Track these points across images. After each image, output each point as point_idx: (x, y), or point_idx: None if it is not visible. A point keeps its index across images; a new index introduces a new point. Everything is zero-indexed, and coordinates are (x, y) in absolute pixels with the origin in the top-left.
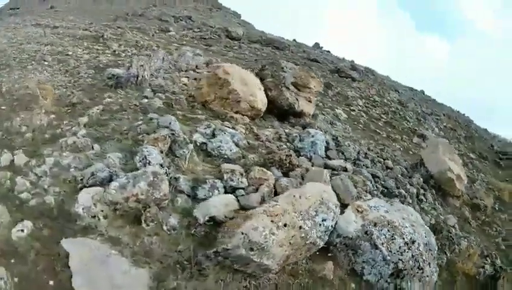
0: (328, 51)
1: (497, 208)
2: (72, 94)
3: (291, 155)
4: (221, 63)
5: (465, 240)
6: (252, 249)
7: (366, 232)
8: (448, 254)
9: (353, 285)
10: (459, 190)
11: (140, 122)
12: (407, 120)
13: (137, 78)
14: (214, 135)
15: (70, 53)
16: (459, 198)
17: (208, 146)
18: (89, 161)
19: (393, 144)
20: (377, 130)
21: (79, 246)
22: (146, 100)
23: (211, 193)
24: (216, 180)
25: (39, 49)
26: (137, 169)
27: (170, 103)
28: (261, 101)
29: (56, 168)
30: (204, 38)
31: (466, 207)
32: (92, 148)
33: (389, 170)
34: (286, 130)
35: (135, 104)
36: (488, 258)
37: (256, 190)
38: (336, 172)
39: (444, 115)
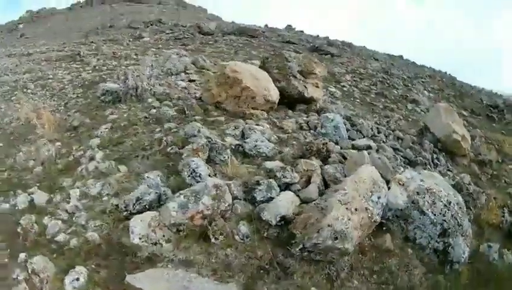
0: (302, 31)
1: (500, 161)
2: (69, 117)
3: (327, 143)
4: (225, 62)
5: (483, 194)
6: (336, 238)
7: (412, 202)
8: (473, 209)
9: (410, 250)
10: (465, 149)
11: (161, 135)
12: (396, 88)
13: (136, 89)
14: (243, 135)
15: (51, 76)
16: (465, 157)
17: (245, 147)
18: (121, 185)
19: (392, 113)
20: (373, 103)
21: (151, 279)
22: (154, 110)
23: (269, 194)
24: (270, 180)
25: (19, 79)
26: (187, 184)
27: (182, 109)
28: (274, 94)
29: (86, 199)
30: (179, 39)
31: (473, 164)
32: (119, 170)
33: (400, 140)
34: (304, 118)
35: (145, 117)
36: (504, 208)
37: (308, 181)
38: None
39: (428, 76)
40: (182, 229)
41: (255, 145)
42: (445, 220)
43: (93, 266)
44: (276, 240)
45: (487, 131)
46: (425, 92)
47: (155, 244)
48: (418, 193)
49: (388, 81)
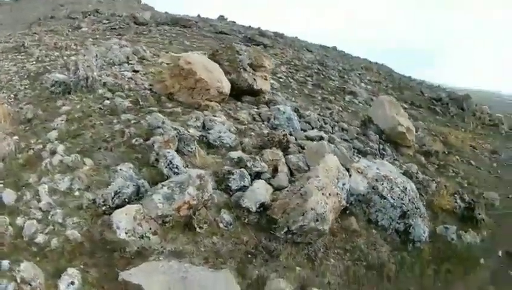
0: (234, 22)
1: (446, 152)
2: (21, 110)
3: (286, 134)
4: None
5: (433, 182)
6: (317, 220)
7: (373, 187)
8: (425, 196)
9: (374, 231)
10: (410, 141)
11: (121, 126)
12: (332, 79)
13: (87, 80)
14: (204, 126)
15: None
16: (410, 148)
17: (209, 138)
18: (91, 178)
19: (332, 105)
20: (311, 94)
21: (146, 273)
22: (108, 101)
23: (242, 183)
24: (242, 169)
25: None
26: (163, 176)
27: (136, 100)
28: (226, 86)
29: (56, 195)
30: (115, 29)
31: (419, 155)
32: (84, 163)
33: (345, 132)
34: (255, 110)
35: (99, 108)
36: (455, 195)
37: (275, 170)
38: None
39: (363, 68)
40: (168, 221)
41: (219, 136)
42: (403, 204)
43: (81, 266)
44: (257, 226)
45: (430, 123)
46: (362, 84)
47: (142, 237)
48: (376, 180)
49: (324, 73)
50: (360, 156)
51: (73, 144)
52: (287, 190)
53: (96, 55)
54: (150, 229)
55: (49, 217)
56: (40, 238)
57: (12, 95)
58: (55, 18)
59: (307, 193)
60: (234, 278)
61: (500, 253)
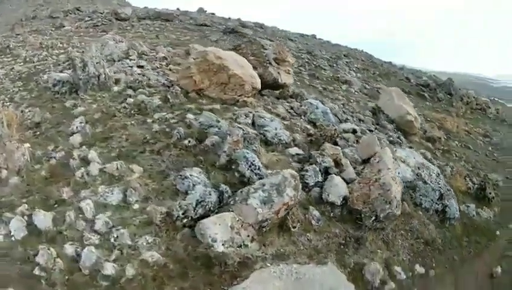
0: (213, 13)
1: (446, 138)
2: (23, 113)
3: (336, 129)
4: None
5: (447, 166)
6: (396, 207)
7: (417, 175)
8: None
9: (420, 213)
10: (416, 128)
11: (161, 126)
12: (323, 69)
13: (98, 77)
14: (253, 124)
15: None
16: (416, 135)
17: (267, 136)
18: (149, 188)
19: (334, 95)
20: (312, 84)
21: (262, 283)
22: (131, 99)
23: (316, 178)
24: (313, 166)
25: None
26: (242, 179)
27: (165, 97)
28: (259, 81)
29: (110, 211)
30: (97, 25)
31: (424, 141)
32: (132, 170)
33: (362, 122)
34: (286, 104)
35: (123, 107)
36: (467, 178)
37: (337, 164)
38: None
39: (344, 55)
40: (265, 225)
41: (276, 134)
42: (440, 187)
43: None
44: (342, 218)
45: (423, 110)
46: (352, 72)
47: (240, 246)
48: (418, 168)
49: (314, 62)
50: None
51: (107, 149)
52: (359, 182)
53: (98, 52)
54: (248, 236)
55: (112, 240)
56: (109, 269)
57: (7, 98)
58: (37, 18)
59: (385, 184)
60: (337, 269)
61: (510, 225)
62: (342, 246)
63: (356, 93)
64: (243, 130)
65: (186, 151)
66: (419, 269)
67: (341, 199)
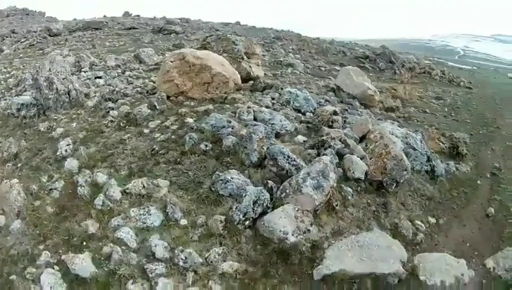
0: (138, 15)
1: (402, 106)
2: None
3: (331, 113)
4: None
5: (418, 132)
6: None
7: (407, 143)
8: None
9: (416, 175)
10: (377, 101)
11: (166, 135)
12: (262, 54)
13: (69, 93)
14: (255, 118)
15: None
16: (376, 107)
17: (276, 128)
18: (186, 200)
19: (290, 80)
20: (265, 73)
21: (338, 259)
22: (114, 112)
23: (336, 160)
24: (330, 149)
25: None
26: (283, 173)
27: (152, 105)
28: (239, 77)
29: (157, 234)
30: (33, 45)
31: (385, 112)
32: (158, 185)
33: (329, 103)
34: (266, 96)
35: (110, 120)
36: (437, 140)
37: (346, 145)
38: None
39: (276, 38)
40: (318, 209)
41: (282, 125)
42: (426, 151)
43: None
44: (366, 189)
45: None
46: (290, 54)
47: (305, 233)
48: (405, 137)
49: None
50: None
51: (114, 168)
52: (370, 158)
53: (50, 69)
54: (309, 222)
55: (181, 263)
56: None
57: None
58: None
59: (397, 155)
60: (382, 230)
61: (488, 175)
62: (375, 213)
63: (302, 74)
64: (261, 126)
65: (206, 156)
66: (432, 219)
67: (364, 174)
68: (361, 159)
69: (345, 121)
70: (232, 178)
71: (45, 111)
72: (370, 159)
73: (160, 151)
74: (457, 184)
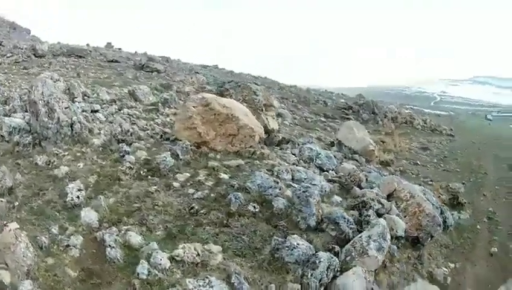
0: (120, 49)
1: (394, 159)
2: None
3: (360, 173)
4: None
5: (419, 186)
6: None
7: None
8: None
9: None
10: (375, 155)
11: (204, 192)
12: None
13: (71, 126)
14: (293, 178)
15: None
16: (373, 161)
17: (317, 189)
18: (246, 267)
19: (285, 131)
20: None
21: None
22: (132, 157)
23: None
24: (371, 210)
25: None
26: (342, 236)
27: (175, 154)
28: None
29: None
30: (18, 62)
31: (382, 166)
32: (210, 251)
33: (336, 158)
34: (286, 152)
35: (128, 167)
36: (439, 192)
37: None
38: None
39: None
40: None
41: (322, 186)
42: (440, 205)
43: None
44: (405, 245)
45: None
46: (276, 102)
47: None
48: (424, 193)
49: (234, 96)
50: None
51: (145, 227)
52: (404, 216)
53: (43, 92)
54: (373, 281)
55: None
56: None
57: None
58: None
59: (430, 213)
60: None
61: (485, 219)
62: (414, 265)
63: (292, 126)
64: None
65: (255, 218)
66: (451, 264)
67: (404, 232)
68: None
69: (366, 179)
70: (298, 244)
71: (41, 141)
72: (404, 217)
73: (201, 211)
74: (461, 231)
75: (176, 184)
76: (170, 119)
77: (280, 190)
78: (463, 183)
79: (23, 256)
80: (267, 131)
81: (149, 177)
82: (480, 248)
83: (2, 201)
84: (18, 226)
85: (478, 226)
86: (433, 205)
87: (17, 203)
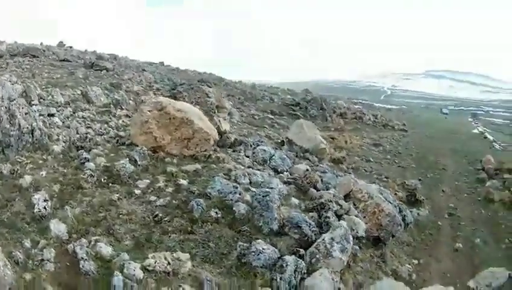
0: (71, 47)
1: (346, 156)
2: None
3: (315, 175)
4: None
5: (375, 183)
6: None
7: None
8: None
9: None
10: (327, 153)
11: (166, 199)
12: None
13: (32, 133)
14: (251, 182)
15: None
16: (325, 159)
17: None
18: (215, 275)
19: (233, 130)
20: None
21: None
22: (91, 164)
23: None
24: (331, 212)
25: None
26: (305, 239)
27: (133, 159)
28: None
29: None
30: None
31: (334, 164)
32: (180, 259)
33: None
34: (239, 154)
35: (89, 175)
36: (395, 189)
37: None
38: None
39: (203, 81)
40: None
41: (279, 189)
42: (398, 203)
43: None
44: (366, 245)
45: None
46: (227, 103)
47: None
48: (380, 193)
49: (185, 93)
50: None
51: (113, 237)
52: (364, 216)
53: (2, 97)
54: (339, 281)
55: None
56: None
57: None
58: None
59: (390, 213)
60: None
61: (445, 215)
62: (377, 263)
63: (240, 123)
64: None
65: (218, 224)
66: (415, 261)
67: (364, 232)
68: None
69: (321, 180)
70: (263, 249)
71: (4, 149)
72: (364, 217)
73: (165, 219)
74: (422, 228)
75: (137, 191)
76: (123, 122)
77: (240, 195)
78: (419, 180)
79: (4, 275)
80: (220, 132)
81: (110, 184)
82: (444, 244)
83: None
84: None
85: (439, 223)
86: (391, 203)
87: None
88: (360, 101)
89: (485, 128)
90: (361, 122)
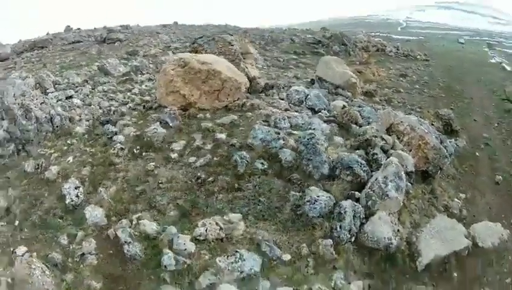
0: (79, 29)
1: (376, 89)
2: None
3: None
4: None
5: (410, 115)
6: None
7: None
8: None
9: None
10: (358, 87)
11: (206, 158)
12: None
13: (51, 121)
14: (291, 126)
15: None
16: (357, 93)
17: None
18: (270, 231)
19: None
20: None
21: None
22: (121, 137)
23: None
24: (377, 148)
25: None
26: (358, 180)
27: (165, 122)
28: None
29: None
30: None
31: (367, 97)
32: (231, 222)
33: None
34: (274, 98)
35: (119, 148)
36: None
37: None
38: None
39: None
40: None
41: (322, 129)
42: (438, 134)
43: None
44: (416, 180)
45: None
46: (252, 48)
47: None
48: (421, 124)
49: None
50: None
51: (156, 210)
52: (409, 150)
53: (14, 94)
54: (397, 222)
55: None
56: None
57: None
58: None
59: (435, 145)
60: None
61: (482, 146)
62: (429, 200)
63: (265, 68)
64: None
65: (266, 175)
66: (462, 195)
67: (413, 167)
68: None
69: (360, 114)
70: (318, 197)
71: (25, 146)
72: (410, 151)
73: (209, 179)
74: (462, 159)
75: (173, 156)
76: (146, 86)
77: (284, 140)
78: (451, 109)
79: (43, 284)
80: (249, 79)
81: (144, 154)
82: (485, 176)
83: (2, 225)
84: (26, 249)
85: (477, 153)
86: (432, 134)
87: (17, 222)
88: (379, 33)
89: (502, 59)
90: (383, 54)
